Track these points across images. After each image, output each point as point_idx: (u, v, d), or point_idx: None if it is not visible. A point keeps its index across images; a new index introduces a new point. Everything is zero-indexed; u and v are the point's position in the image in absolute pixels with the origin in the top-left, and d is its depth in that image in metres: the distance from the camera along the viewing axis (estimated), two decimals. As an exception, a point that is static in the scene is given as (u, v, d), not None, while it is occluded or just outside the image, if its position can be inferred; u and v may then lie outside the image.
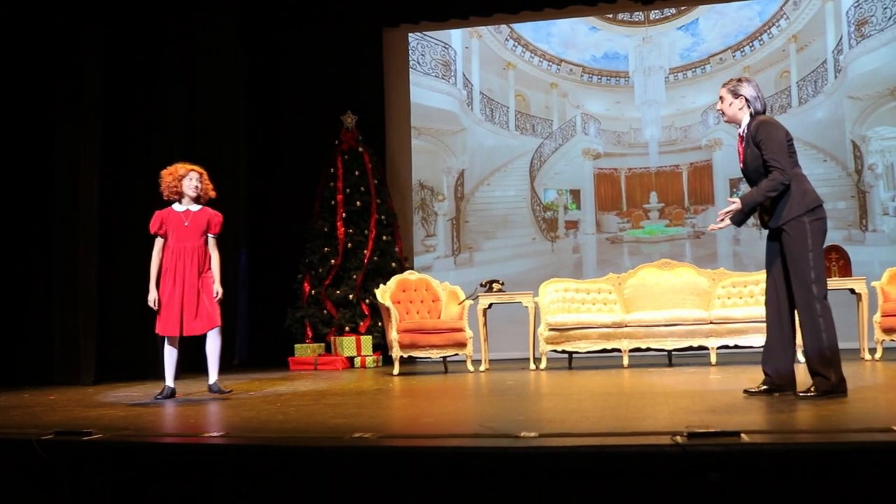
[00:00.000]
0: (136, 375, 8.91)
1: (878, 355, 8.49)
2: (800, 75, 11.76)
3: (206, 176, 6.94)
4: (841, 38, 11.64)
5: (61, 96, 8.84)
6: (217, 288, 6.81)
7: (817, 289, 5.19)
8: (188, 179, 6.79)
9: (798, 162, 5.47)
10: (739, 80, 5.55)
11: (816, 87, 11.68)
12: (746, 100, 5.46)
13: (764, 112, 5.51)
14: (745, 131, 5.43)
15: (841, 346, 9.83)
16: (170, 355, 6.81)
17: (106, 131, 9.12)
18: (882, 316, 8.53)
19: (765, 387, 5.43)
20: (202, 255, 6.81)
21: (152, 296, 6.69)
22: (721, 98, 5.58)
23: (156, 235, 6.78)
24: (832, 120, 11.58)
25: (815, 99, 11.66)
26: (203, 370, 7.09)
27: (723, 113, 5.58)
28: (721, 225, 5.58)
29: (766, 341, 5.53)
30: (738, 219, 5.48)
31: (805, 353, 5.27)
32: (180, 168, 6.85)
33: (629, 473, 3.23)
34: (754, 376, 6.95)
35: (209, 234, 6.86)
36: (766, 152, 5.25)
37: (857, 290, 8.80)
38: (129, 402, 6.43)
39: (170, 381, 6.78)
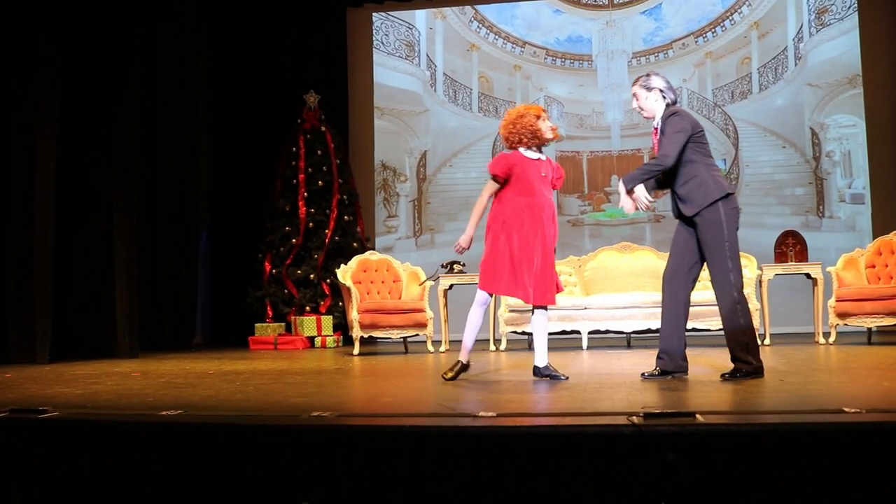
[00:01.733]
0: (95, 354, 8.83)
1: (831, 339, 8.62)
2: (761, 62, 11.87)
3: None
4: (801, 27, 11.76)
5: (17, 73, 8.69)
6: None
7: (735, 277, 5.28)
8: (543, 121, 5.65)
9: (710, 153, 5.51)
10: (648, 75, 5.58)
11: (777, 74, 11.80)
12: (660, 90, 5.49)
13: (675, 103, 5.54)
14: (660, 123, 5.46)
15: (796, 329, 10.03)
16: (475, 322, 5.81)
17: (63, 107, 8.98)
18: (836, 301, 8.65)
19: (659, 370, 5.51)
20: (553, 213, 5.73)
21: (466, 238, 5.98)
22: (635, 95, 5.56)
23: (495, 179, 5.76)
24: (791, 107, 11.71)
25: (775, 86, 11.78)
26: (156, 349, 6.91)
27: (641, 109, 5.58)
28: (628, 209, 5.65)
29: (662, 326, 5.61)
30: (636, 194, 5.53)
31: (727, 339, 5.37)
32: (532, 108, 5.73)
33: (586, 453, 3.26)
34: (711, 359, 7.05)
35: (554, 190, 5.81)
36: (663, 139, 5.32)
37: (812, 275, 8.92)
38: (86, 380, 6.36)
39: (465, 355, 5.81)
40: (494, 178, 5.74)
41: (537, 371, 5.71)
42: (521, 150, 5.69)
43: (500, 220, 5.74)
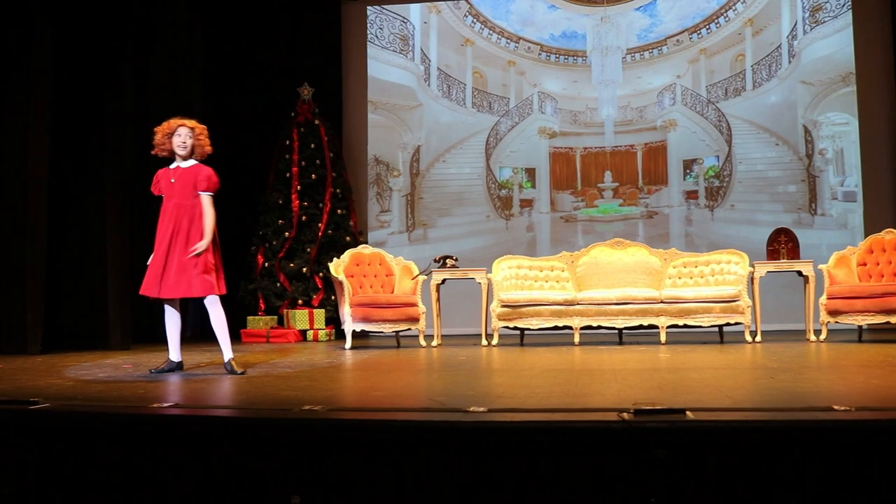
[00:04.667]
0: (86, 345, 8.83)
1: (822, 337, 8.64)
2: (755, 59, 11.88)
3: (199, 131, 6.43)
4: (795, 24, 11.77)
5: (9, 61, 8.66)
6: (198, 245, 6.20)
7: None
8: (177, 136, 6.34)
9: None
10: None
11: (770, 71, 11.81)
12: None
13: None
14: None
15: (787, 327, 10.06)
16: (170, 322, 6.35)
17: (56, 98, 8.96)
18: (828, 298, 8.67)
19: None
20: (193, 215, 6.27)
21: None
22: None
23: (159, 195, 6.42)
24: (785, 104, 11.72)
25: (768, 83, 11.79)
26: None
27: None
28: None
29: None
30: None
31: None
32: (173, 123, 6.39)
33: (576, 448, 3.27)
34: (703, 356, 7.06)
35: (200, 192, 6.33)
36: None
37: (804, 273, 8.94)
38: (78, 372, 6.35)
39: (173, 353, 6.33)
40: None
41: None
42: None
43: None
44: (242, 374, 6.12)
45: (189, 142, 6.36)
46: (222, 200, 11.93)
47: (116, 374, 6.25)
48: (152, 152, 6.45)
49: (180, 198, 6.30)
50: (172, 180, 6.33)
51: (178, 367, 6.32)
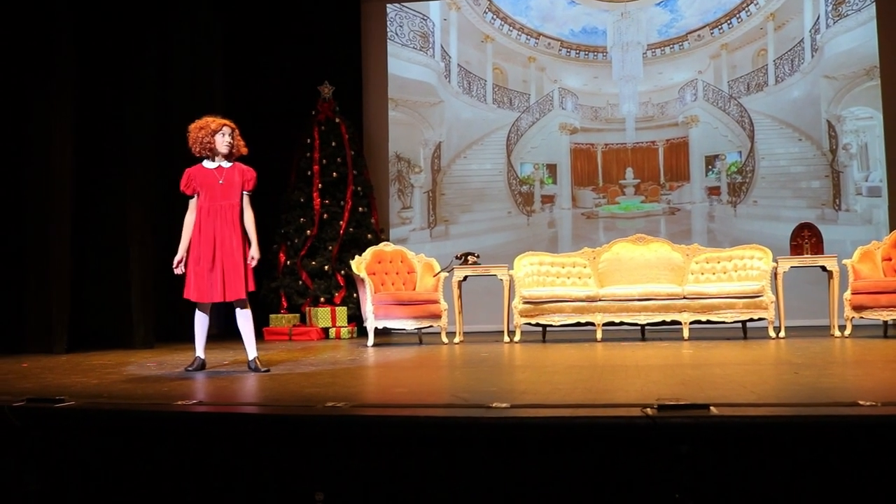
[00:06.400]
0: (111, 344, 8.88)
1: (847, 332, 8.58)
2: (777, 54, 11.81)
3: (237, 131, 6.35)
4: (818, 18, 11.69)
5: (35, 65, 8.73)
6: (253, 252, 6.23)
7: None
8: (221, 134, 6.19)
9: None
10: None
11: (793, 65, 11.73)
12: None
13: None
14: None
15: (812, 322, 9.99)
16: (201, 323, 6.34)
17: (80, 99, 9.02)
18: (852, 293, 8.61)
19: None
20: (237, 215, 6.21)
21: (179, 257, 6.16)
22: None
23: (187, 195, 6.24)
24: (808, 99, 11.64)
25: (791, 78, 11.72)
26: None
27: None
28: None
29: None
30: None
31: None
32: (212, 122, 6.23)
33: (599, 444, 3.27)
34: (726, 351, 7.03)
35: (244, 192, 6.28)
36: None
37: (828, 268, 8.88)
38: (103, 371, 6.40)
39: (200, 351, 6.31)
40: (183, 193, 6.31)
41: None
42: (204, 161, 6.28)
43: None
44: (266, 371, 6.12)
45: (233, 141, 6.27)
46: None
47: (141, 372, 6.29)
48: (195, 151, 6.24)
49: (228, 198, 6.19)
50: (221, 181, 6.18)
51: (203, 365, 6.32)
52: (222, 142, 6.18)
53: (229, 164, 6.27)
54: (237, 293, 6.16)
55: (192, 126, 6.25)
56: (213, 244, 6.10)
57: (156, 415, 3.93)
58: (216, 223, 6.13)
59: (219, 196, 6.16)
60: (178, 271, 6.22)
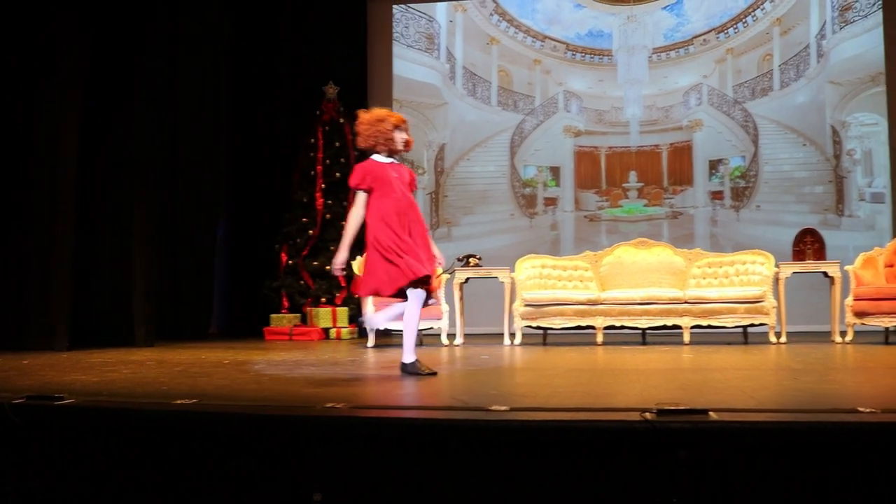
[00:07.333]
0: (111, 342, 8.88)
1: (848, 338, 8.57)
2: (782, 59, 11.80)
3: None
4: (824, 24, 11.68)
5: (42, 62, 8.75)
6: (437, 253, 5.88)
7: None
8: (400, 131, 5.82)
9: None
10: None
11: (798, 71, 11.72)
12: None
13: None
14: None
15: (813, 328, 9.98)
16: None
17: (85, 97, 9.03)
18: (854, 300, 8.60)
19: None
20: (418, 213, 5.84)
21: (342, 258, 5.77)
22: None
23: (358, 190, 5.78)
24: (813, 104, 11.63)
25: (796, 83, 11.71)
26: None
27: None
28: None
29: None
30: None
31: None
32: (390, 116, 5.87)
33: (598, 448, 3.26)
34: (727, 356, 7.02)
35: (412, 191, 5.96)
36: None
37: (830, 274, 8.87)
38: (103, 368, 6.40)
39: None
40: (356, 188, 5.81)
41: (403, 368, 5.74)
42: (375, 156, 5.85)
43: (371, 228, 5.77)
44: (434, 374, 5.66)
45: (408, 138, 5.95)
46: (248, 199, 12.06)
47: (141, 370, 6.29)
48: (368, 144, 5.86)
49: (406, 193, 5.80)
50: (395, 175, 5.78)
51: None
52: (400, 138, 5.84)
53: (397, 161, 5.92)
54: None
55: (368, 118, 5.89)
56: (406, 234, 5.68)
57: (156, 413, 3.92)
58: (408, 216, 5.73)
59: (398, 191, 5.74)
60: (338, 271, 5.86)
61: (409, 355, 5.72)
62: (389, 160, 5.85)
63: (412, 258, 5.57)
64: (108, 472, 3.72)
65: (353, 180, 5.80)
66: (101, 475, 3.73)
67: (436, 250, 5.88)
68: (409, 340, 5.72)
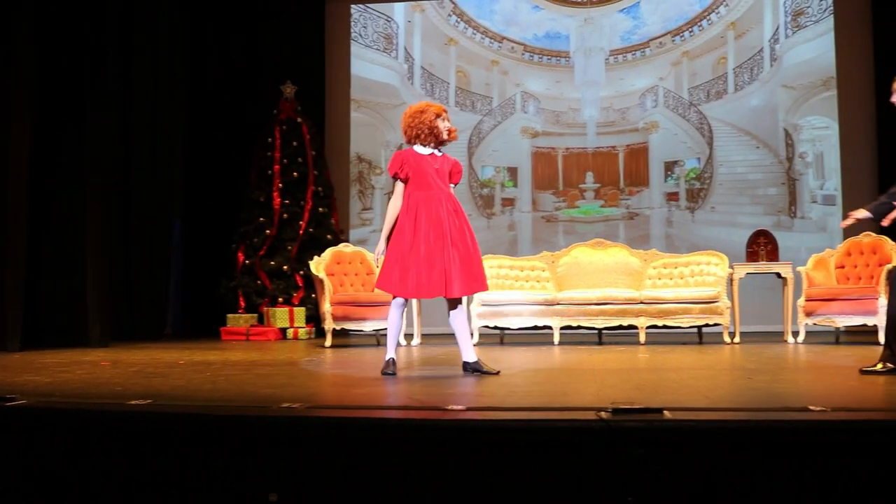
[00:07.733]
0: (64, 342, 8.76)
1: (800, 338, 8.69)
2: (736, 62, 11.94)
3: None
4: (778, 28, 11.84)
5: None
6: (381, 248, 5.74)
7: None
8: (442, 120, 5.77)
9: None
10: None
11: (752, 74, 11.87)
12: None
13: None
14: None
15: (766, 328, 10.11)
16: (396, 321, 5.83)
17: (39, 95, 8.90)
18: (806, 300, 8.73)
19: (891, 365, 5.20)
20: (459, 205, 5.75)
21: (382, 247, 5.68)
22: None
23: (396, 179, 5.74)
24: (766, 107, 11.79)
25: (750, 86, 11.86)
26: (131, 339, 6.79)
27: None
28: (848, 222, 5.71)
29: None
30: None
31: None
32: (431, 105, 5.82)
33: (555, 447, 3.28)
34: (682, 356, 7.09)
35: (453, 184, 5.84)
36: None
37: (783, 275, 8.99)
38: (56, 369, 6.32)
39: (392, 352, 5.84)
40: (395, 177, 5.77)
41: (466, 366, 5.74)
42: (416, 146, 5.80)
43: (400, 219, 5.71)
44: (497, 373, 5.64)
45: (451, 126, 5.89)
46: (204, 198, 11.95)
47: (94, 371, 6.22)
48: (412, 136, 5.81)
49: (444, 186, 5.72)
50: (436, 166, 5.73)
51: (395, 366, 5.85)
52: (444, 127, 5.78)
53: (440, 153, 5.84)
54: (471, 288, 5.74)
55: (409, 112, 5.85)
56: (431, 235, 5.56)
57: (109, 414, 3.88)
58: (439, 213, 5.61)
59: (435, 183, 5.66)
60: (378, 257, 5.81)
61: (469, 354, 5.77)
62: (430, 151, 5.79)
63: (413, 273, 5.55)
64: (61, 474, 3.68)
65: (391, 169, 5.79)
66: (54, 477, 3.68)
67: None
68: (464, 341, 5.81)
